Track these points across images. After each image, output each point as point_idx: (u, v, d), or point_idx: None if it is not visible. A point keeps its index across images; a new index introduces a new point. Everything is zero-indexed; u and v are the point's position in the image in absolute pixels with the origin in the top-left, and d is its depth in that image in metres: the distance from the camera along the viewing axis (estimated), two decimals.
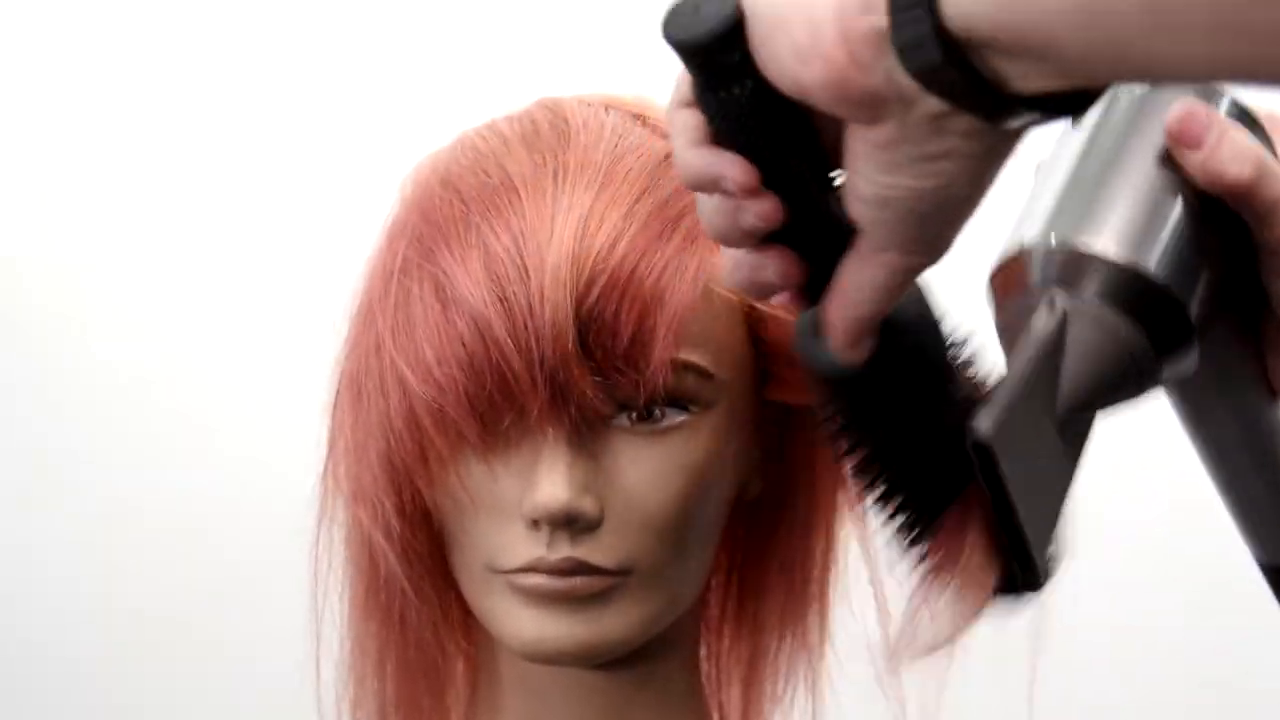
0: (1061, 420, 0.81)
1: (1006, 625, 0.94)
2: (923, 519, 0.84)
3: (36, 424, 1.83)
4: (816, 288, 0.74)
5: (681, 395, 0.91)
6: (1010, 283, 0.83)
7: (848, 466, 0.83)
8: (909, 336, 0.78)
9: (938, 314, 0.80)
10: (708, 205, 0.73)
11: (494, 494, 0.92)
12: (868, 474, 0.82)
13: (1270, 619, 1.05)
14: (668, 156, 0.94)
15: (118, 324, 1.83)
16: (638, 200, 0.91)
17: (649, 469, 0.91)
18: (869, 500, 0.83)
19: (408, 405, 0.92)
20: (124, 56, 1.84)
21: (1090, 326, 0.80)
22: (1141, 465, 1.77)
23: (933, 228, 0.69)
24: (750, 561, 1.02)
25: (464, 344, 0.89)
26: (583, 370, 0.89)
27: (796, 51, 0.65)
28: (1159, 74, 0.61)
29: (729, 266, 0.75)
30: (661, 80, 1.00)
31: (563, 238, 0.89)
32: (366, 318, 0.95)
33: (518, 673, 0.98)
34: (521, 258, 0.89)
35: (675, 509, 0.92)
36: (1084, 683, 1.74)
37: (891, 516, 0.84)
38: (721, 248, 0.75)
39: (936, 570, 0.83)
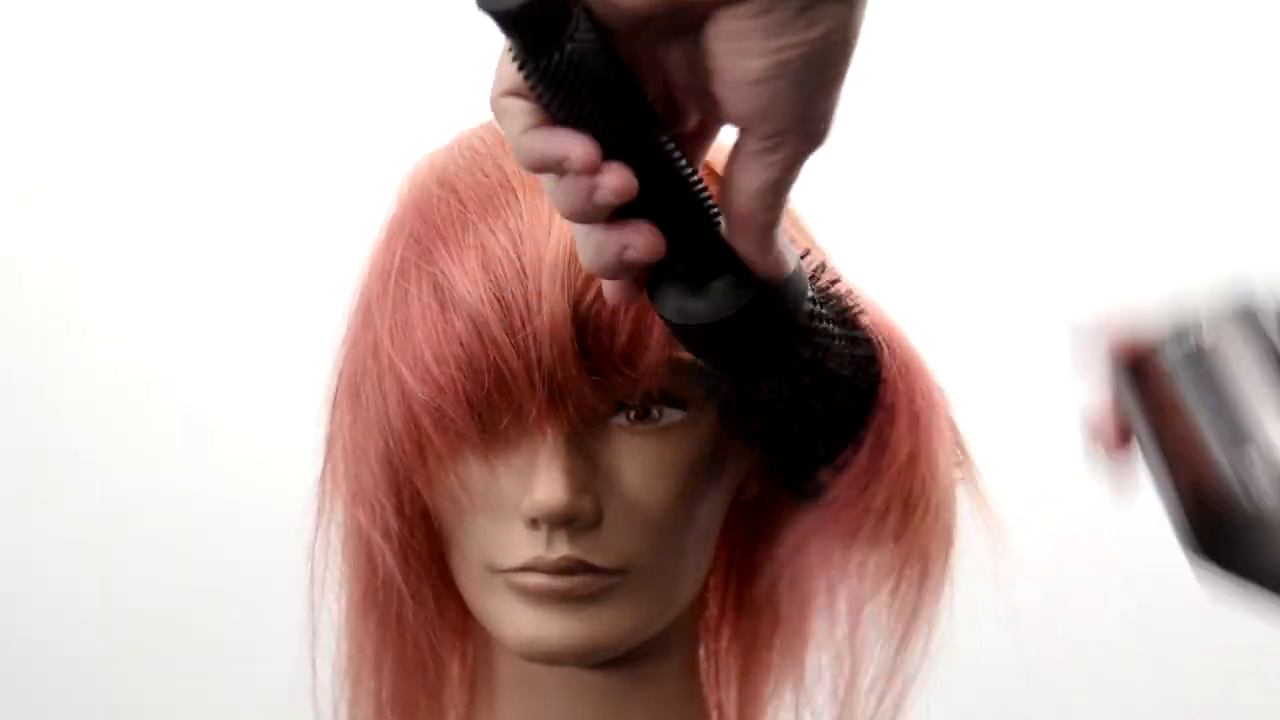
0: None
1: (1001, 620, 0.95)
2: (807, 463, 0.89)
3: (36, 424, 1.83)
4: (682, 244, 0.75)
5: (679, 394, 0.91)
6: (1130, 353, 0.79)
7: (727, 416, 0.87)
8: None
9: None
10: (555, 186, 0.72)
11: (493, 494, 0.91)
12: (751, 419, 0.85)
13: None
14: None
15: (118, 324, 1.83)
16: None
17: (647, 467, 0.91)
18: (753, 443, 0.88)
19: (406, 405, 0.91)
20: (123, 57, 1.84)
21: None
22: None
23: (824, 92, 0.70)
24: (748, 562, 1.02)
25: (462, 344, 0.89)
26: (581, 370, 0.89)
27: None
28: None
29: (589, 251, 0.74)
30: None
31: (560, 237, 0.88)
32: (364, 318, 0.95)
33: (515, 672, 0.98)
34: (519, 258, 0.89)
35: (673, 507, 0.92)
36: (1078, 678, 1.74)
37: (779, 459, 0.88)
38: (575, 231, 0.75)
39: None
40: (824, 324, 0.83)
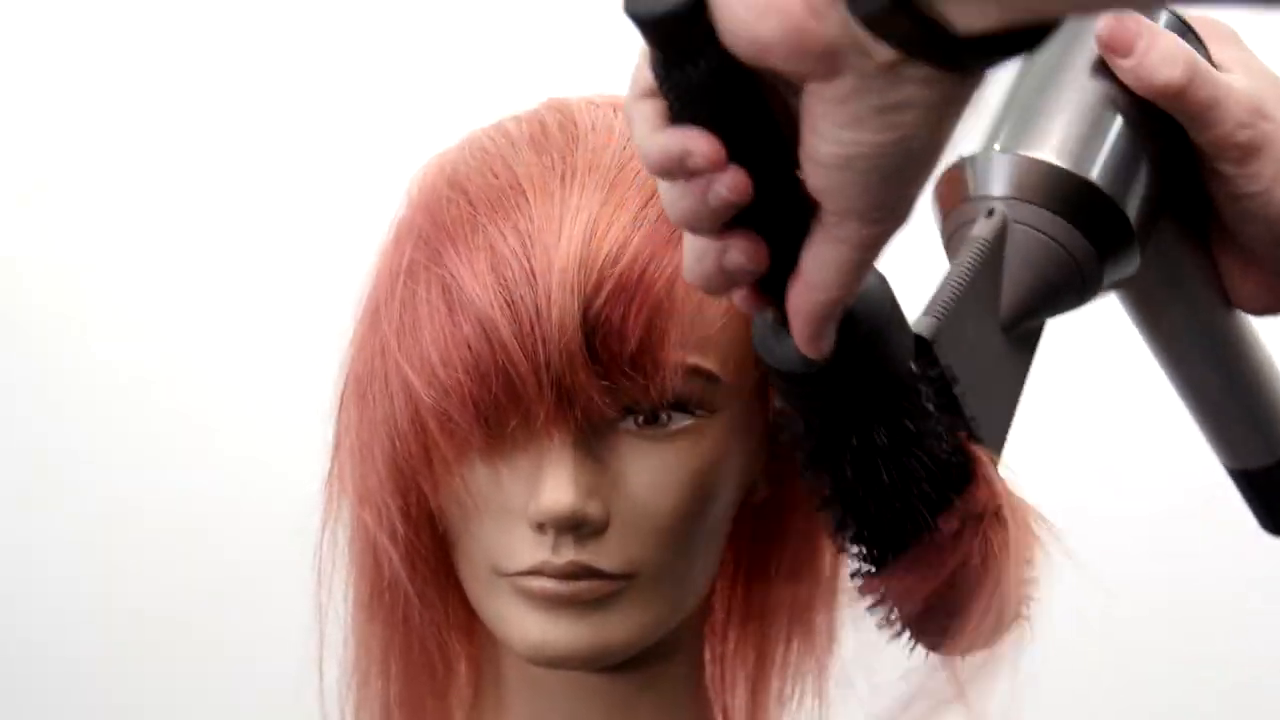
0: (1007, 325, 0.83)
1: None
2: (877, 549, 0.83)
3: (36, 424, 1.83)
4: (776, 280, 0.73)
5: (688, 399, 0.91)
6: (953, 194, 0.84)
7: (804, 479, 0.83)
8: (872, 335, 0.77)
9: (903, 315, 0.79)
10: (673, 191, 0.71)
11: (499, 497, 0.91)
12: (826, 488, 0.81)
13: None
14: None
15: (118, 324, 1.83)
16: (646, 204, 0.90)
17: (655, 473, 0.91)
18: (824, 518, 0.83)
19: (413, 408, 0.91)
20: (126, 57, 1.84)
21: (1031, 232, 0.82)
22: (1138, 462, 1.77)
23: (894, 188, 0.68)
24: (756, 565, 1.02)
25: (470, 347, 0.89)
26: (589, 374, 0.88)
27: (752, 6, 0.65)
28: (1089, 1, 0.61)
29: (692, 258, 0.73)
30: None
31: (570, 241, 0.88)
32: (372, 319, 0.95)
33: (522, 675, 0.98)
34: (529, 261, 0.88)
35: (681, 513, 0.92)
36: (1082, 680, 1.74)
37: (845, 538, 0.83)
38: (684, 241, 0.74)
39: (883, 605, 0.84)
40: (910, 414, 0.80)
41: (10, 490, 1.82)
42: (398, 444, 0.93)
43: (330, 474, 0.99)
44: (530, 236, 0.89)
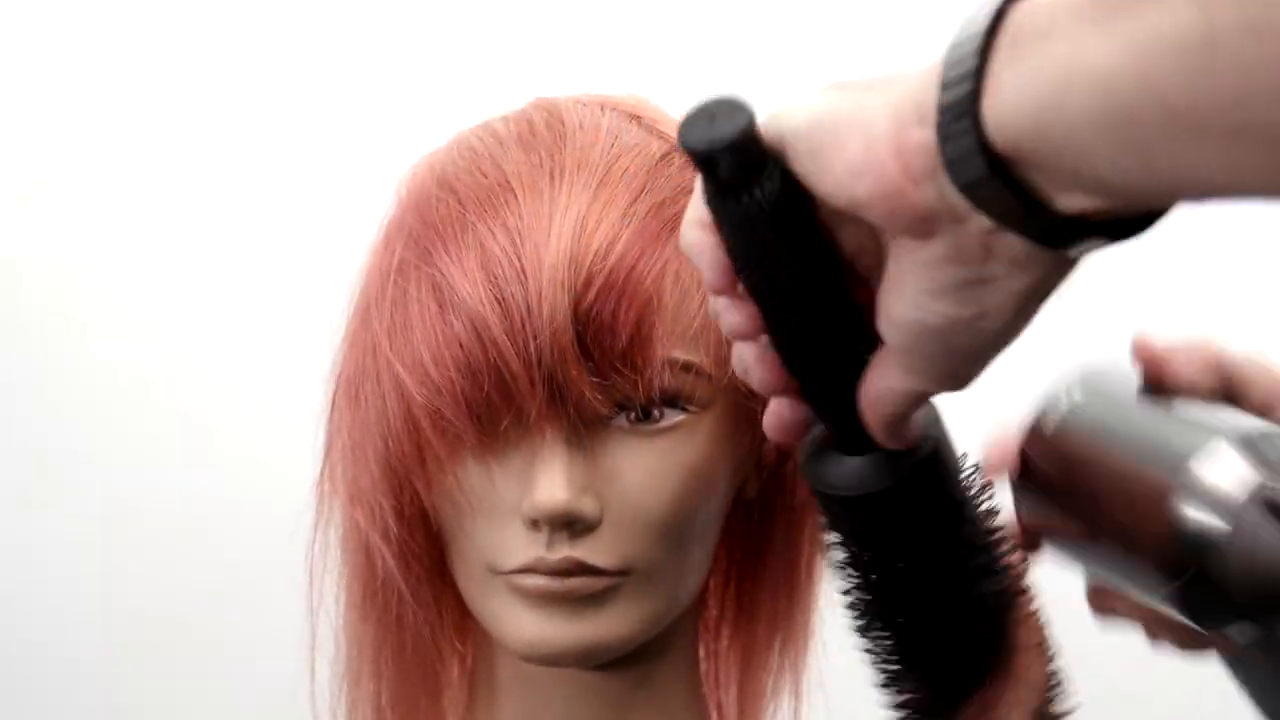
0: None
1: None
2: (922, 695, 0.81)
3: (36, 424, 1.83)
4: (830, 400, 0.73)
5: (679, 395, 0.91)
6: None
7: (848, 604, 0.80)
8: (929, 458, 0.75)
9: (957, 453, 0.78)
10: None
11: (492, 495, 0.91)
12: (869, 618, 0.80)
13: None
14: (665, 156, 0.93)
15: (118, 324, 1.83)
16: (635, 200, 0.91)
17: (647, 469, 0.91)
18: (866, 647, 0.81)
19: (405, 407, 0.91)
20: (124, 56, 1.84)
21: None
22: None
23: (959, 361, 0.68)
24: (749, 561, 1.02)
25: (461, 345, 0.89)
26: (581, 371, 0.88)
27: (849, 165, 0.65)
28: (1187, 187, 0.59)
29: (740, 368, 0.76)
30: (658, 80, 1.01)
31: (560, 238, 0.88)
32: (363, 319, 0.95)
33: (515, 673, 0.98)
34: (519, 258, 0.89)
35: (674, 509, 0.92)
36: (1082, 680, 1.74)
37: (888, 677, 0.81)
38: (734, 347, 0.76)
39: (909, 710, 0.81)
40: (963, 543, 0.78)
41: (10, 490, 1.82)
42: (390, 444, 0.93)
43: (322, 475, 0.99)
44: (520, 234, 0.89)
